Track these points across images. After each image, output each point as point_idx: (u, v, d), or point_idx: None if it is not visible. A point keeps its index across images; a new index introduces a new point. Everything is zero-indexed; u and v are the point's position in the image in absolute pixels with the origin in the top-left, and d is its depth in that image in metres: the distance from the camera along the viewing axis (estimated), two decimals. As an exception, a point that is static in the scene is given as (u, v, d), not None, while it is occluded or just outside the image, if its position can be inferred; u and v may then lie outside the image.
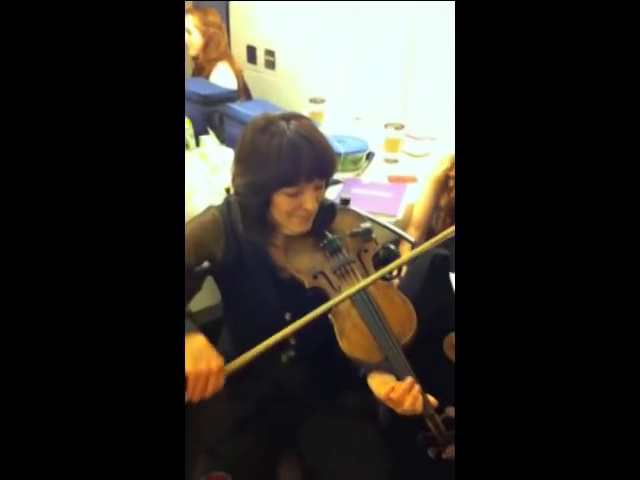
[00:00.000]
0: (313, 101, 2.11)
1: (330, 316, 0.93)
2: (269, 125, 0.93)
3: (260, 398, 1.08)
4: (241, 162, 0.97)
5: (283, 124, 0.93)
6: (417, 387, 0.86)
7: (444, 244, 1.46)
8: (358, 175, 1.87)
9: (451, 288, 1.26)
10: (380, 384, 0.90)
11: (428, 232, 1.61)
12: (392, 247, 1.15)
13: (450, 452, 0.89)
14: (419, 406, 0.86)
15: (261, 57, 2.66)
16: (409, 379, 0.87)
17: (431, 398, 0.88)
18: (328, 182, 1.01)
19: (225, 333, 1.16)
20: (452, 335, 0.77)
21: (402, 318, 0.94)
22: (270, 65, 2.63)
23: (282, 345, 0.99)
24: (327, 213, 1.04)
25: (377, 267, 1.03)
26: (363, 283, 0.90)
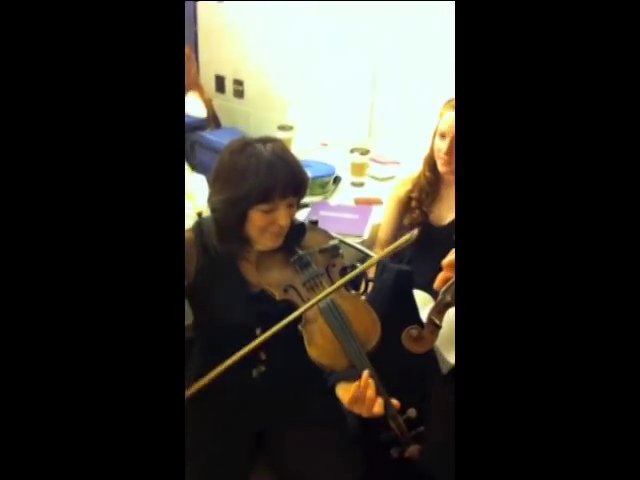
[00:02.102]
0: (281, 128, 2.19)
1: (300, 327, 0.99)
2: (246, 147, 1.01)
3: (230, 412, 1.11)
4: (219, 181, 1.04)
5: (260, 146, 1.01)
6: (372, 385, 0.91)
7: (407, 261, 1.55)
8: (326, 198, 1.95)
9: (414, 303, 1.33)
10: (345, 392, 0.95)
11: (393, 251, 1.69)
12: (358, 265, 1.23)
13: (412, 451, 0.94)
14: (374, 401, 0.91)
15: (230, 86, 2.74)
16: (364, 375, 0.92)
17: (394, 400, 0.94)
18: (300, 200, 1.09)
19: (196, 352, 1.19)
20: (411, 328, 0.84)
21: (367, 326, 1.00)
22: (239, 94, 2.71)
23: (252, 360, 1.04)
24: (298, 231, 1.11)
25: (345, 286, 1.10)
26: (327, 291, 0.96)
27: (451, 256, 0.86)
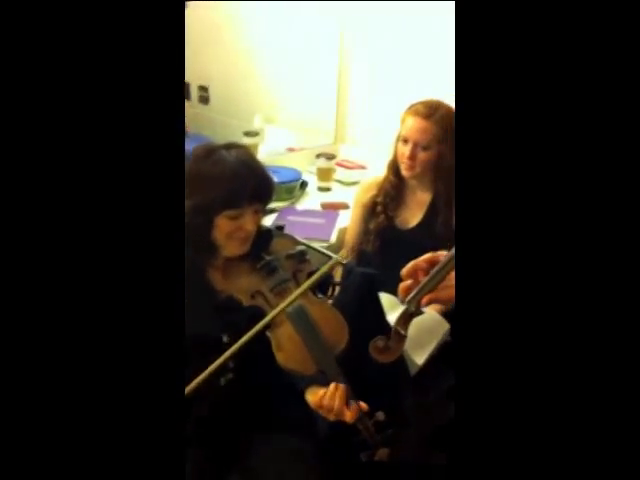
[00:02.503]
0: (247, 134, 2.19)
1: (268, 333, 0.99)
2: (211, 153, 1.01)
3: (199, 421, 1.10)
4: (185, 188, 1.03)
5: (224, 152, 1.01)
6: (341, 391, 0.92)
7: (373, 264, 1.56)
8: (292, 203, 1.96)
9: (380, 305, 1.35)
10: (314, 396, 0.96)
11: (359, 255, 1.71)
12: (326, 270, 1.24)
13: (381, 454, 0.96)
14: (348, 412, 0.92)
15: (194, 93, 2.72)
16: (333, 384, 0.93)
17: (362, 404, 0.95)
18: (267, 206, 1.09)
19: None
20: (377, 339, 0.85)
21: (335, 329, 1.01)
22: (204, 100, 2.70)
23: (220, 369, 1.03)
24: (264, 236, 1.11)
25: (313, 291, 1.10)
26: (294, 295, 0.97)
27: (411, 264, 0.86)
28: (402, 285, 0.86)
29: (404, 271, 0.87)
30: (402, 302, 0.86)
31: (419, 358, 1.45)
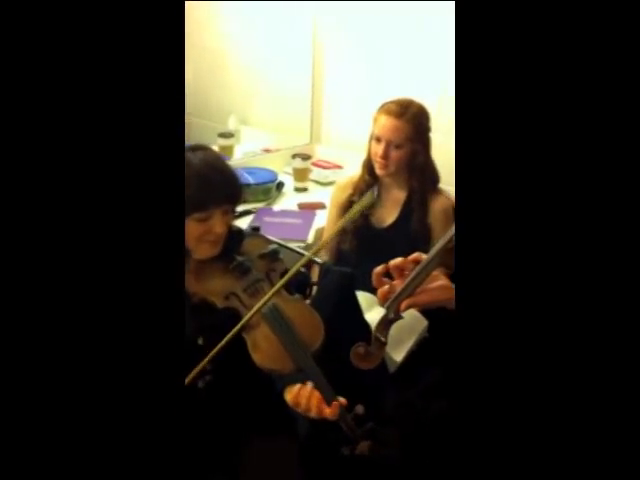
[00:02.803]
0: (222, 135, 2.18)
1: (243, 334, 0.99)
2: None
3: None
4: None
5: (189, 154, 1.00)
6: (317, 392, 0.92)
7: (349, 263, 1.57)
8: (269, 204, 1.96)
9: (357, 303, 1.35)
10: (292, 394, 0.96)
11: (337, 254, 1.71)
12: (303, 270, 1.24)
13: (362, 448, 0.96)
14: (320, 403, 0.92)
15: (169, 95, 2.70)
16: (308, 386, 0.93)
17: (341, 399, 0.95)
18: (235, 207, 1.08)
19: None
20: (358, 346, 0.85)
21: (310, 327, 1.01)
22: (178, 102, 2.68)
23: (198, 372, 1.03)
24: (235, 237, 1.11)
25: (290, 290, 1.10)
26: (268, 295, 0.97)
27: (376, 271, 0.87)
28: (380, 290, 0.87)
29: (376, 271, 0.87)
30: (381, 306, 0.86)
31: (398, 355, 1.46)
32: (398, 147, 1.49)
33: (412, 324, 1.51)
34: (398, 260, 0.86)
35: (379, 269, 0.85)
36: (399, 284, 0.83)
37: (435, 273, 0.88)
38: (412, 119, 1.47)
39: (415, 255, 0.85)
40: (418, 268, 0.81)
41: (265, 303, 0.97)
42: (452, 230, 0.78)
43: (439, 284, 0.84)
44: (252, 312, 0.96)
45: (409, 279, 0.80)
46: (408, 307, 0.81)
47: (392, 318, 0.83)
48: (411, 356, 1.48)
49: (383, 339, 0.83)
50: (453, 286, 0.85)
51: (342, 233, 1.67)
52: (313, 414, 0.92)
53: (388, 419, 1.33)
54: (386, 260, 0.91)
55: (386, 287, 0.84)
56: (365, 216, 1.62)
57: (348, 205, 1.65)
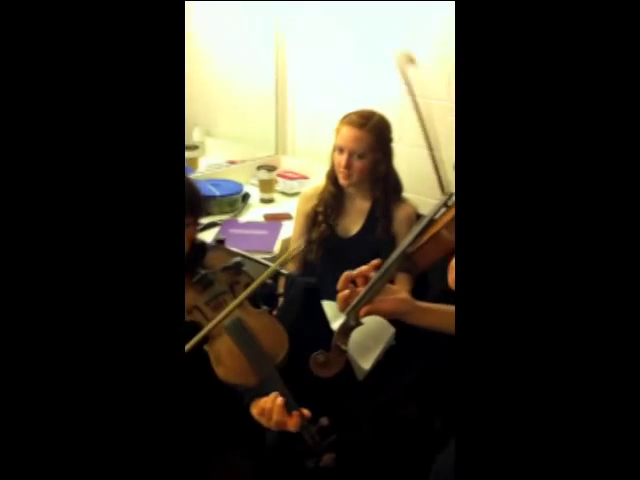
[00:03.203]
0: (187, 148, 2.17)
1: (205, 347, 0.98)
2: None
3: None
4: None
5: None
6: (281, 400, 0.92)
7: (313, 273, 1.58)
8: (235, 216, 1.95)
9: (323, 314, 1.36)
10: (256, 407, 0.96)
11: (304, 265, 1.71)
12: (269, 281, 1.24)
13: (327, 460, 0.96)
14: (290, 422, 0.92)
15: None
16: (273, 393, 0.93)
17: (304, 411, 0.95)
18: (198, 220, 1.08)
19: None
20: (317, 354, 0.85)
21: (274, 339, 1.01)
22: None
23: None
24: (198, 251, 1.10)
25: (256, 301, 1.10)
26: (228, 308, 0.96)
27: (345, 274, 0.87)
28: (340, 296, 0.87)
29: (341, 279, 0.88)
30: (341, 312, 0.87)
31: (366, 363, 1.47)
32: (360, 157, 1.50)
33: (379, 332, 1.52)
34: (363, 268, 0.87)
35: (348, 273, 0.86)
36: (361, 291, 0.84)
37: (397, 287, 0.90)
38: (373, 129, 1.49)
39: (375, 262, 0.86)
40: (377, 275, 0.82)
41: (227, 315, 0.97)
42: (410, 236, 0.80)
43: (399, 297, 0.85)
44: (212, 324, 0.95)
45: (368, 286, 0.81)
46: (367, 314, 0.82)
47: (352, 325, 0.83)
48: (379, 364, 1.49)
49: (343, 347, 0.83)
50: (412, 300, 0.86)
51: (308, 243, 1.68)
52: (274, 425, 0.92)
53: (354, 427, 1.33)
54: (352, 269, 0.92)
55: (346, 292, 0.85)
56: (330, 226, 1.64)
57: (313, 215, 1.66)
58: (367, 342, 1.49)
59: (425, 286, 1.54)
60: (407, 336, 1.54)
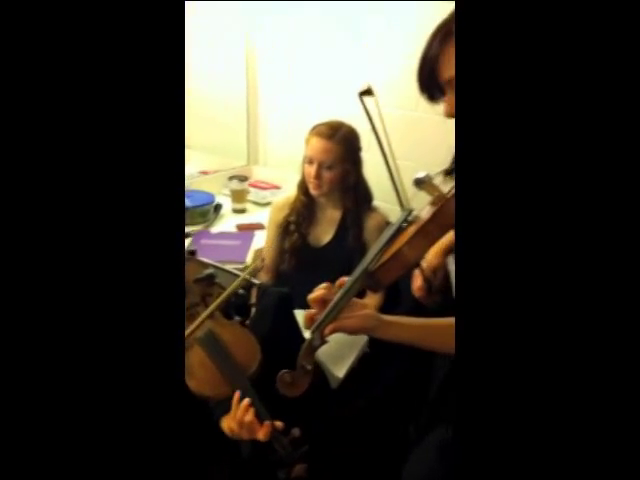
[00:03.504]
0: (158, 159, 2.16)
1: (178, 360, 0.98)
2: None
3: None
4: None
5: None
6: (252, 410, 0.93)
7: (287, 283, 1.59)
8: (207, 227, 1.95)
9: (296, 323, 1.37)
10: (227, 420, 0.96)
11: (276, 275, 1.72)
12: (242, 292, 1.25)
13: (298, 471, 0.97)
14: (259, 430, 0.92)
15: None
16: (244, 403, 0.93)
17: (277, 422, 0.96)
18: None
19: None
20: (284, 373, 0.85)
21: (246, 351, 1.02)
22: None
23: None
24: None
25: (229, 313, 1.11)
26: (199, 320, 0.97)
27: (316, 292, 0.88)
28: (306, 314, 0.88)
29: (311, 297, 0.89)
30: (307, 329, 0.87)
31: (339, 371, 1.48)
32: (330, 168, 1.52)
33: (352, 339, 1.53)
34: (323, 291, 0.88)
35: (314, 295, 0.87)
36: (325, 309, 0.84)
37: (363, 302, 0.91)
38: (342, 140, 1.51)
39: (340, 280, 0.87)
40: (340, 293, 0.82)
41: (197, 327, 0.97)
42: (372, 254, 0.81)
43: (364, 313, 0.86)
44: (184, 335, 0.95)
45: (332, 304, 0.82)
46: (333, 332, 0.82)
47: (317, 344, 0.84)
48: (353, 371, 1.50)
49: (309, 367, 0.84)
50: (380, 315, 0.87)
51: (281, 253, 1.69)
52: (246, 434, 0.93)
53: (328, 436, 1.34)
54: (324, 278, 0.93)
55: (312, 311, 0.86)
56: (303, 235, 1.65)
57: (285, 225, 1.67)
58: (340, 350, 1.50)
59: (397, 297, 1.56)
60: (382, 342, 1.56)
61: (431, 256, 1.19)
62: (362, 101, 0.90)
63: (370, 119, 0.92)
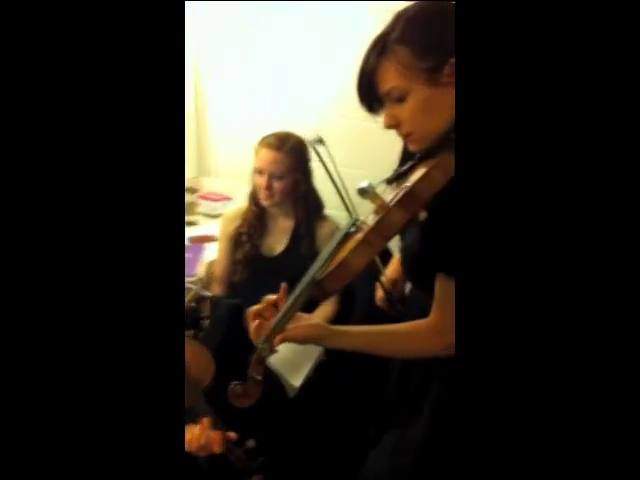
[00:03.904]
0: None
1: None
2: None
3: None
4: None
5: None
6: (206, 423, 0.93)
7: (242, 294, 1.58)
8: (157, 240, 1.92)
9: (248, 335, 1.36)
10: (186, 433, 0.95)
11: (230, 286, 1.71)
12: (193, 305, 1.23)
13: (257, 481, 0.97)
14: (214, 442, 0.92)
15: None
16: (203, 420, 0.93)
17: (231, 433, 0.96)
18: None
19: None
20: (235, 385, 0.85)
21: (200, 363, 1.01)
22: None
23: None
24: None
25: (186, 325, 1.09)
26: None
27: (258, 306, 0.88)
28: (251, 327, 0.88)
29: (252, 310, 0.89)
30: (254, 342, 0.87)
31: (296, 380, 1.48)
32: (280, 178, 1.54)
33: (308, 348, 1.54)
34: (270, 298, 0.88)
35: (254, 308, 0.87)
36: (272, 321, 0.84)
37: (312, 315, 0.91)
38: (291, 151, 1.53)
39: (283, 287, 0.87)
40: (287, 303, 0.83)
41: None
42: (318, 263, 0.82)
43: (311, 322, 0.87)
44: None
45: (279, 315, 0.82)
46: (281, 342, 0.83)
47: (265, 354, 0.84)
48: (309, 380, 1.50)
49: (259, 377, 0.84)
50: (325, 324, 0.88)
51: (233, 264, 1.68)
52: (203, 450, 0.92)
53: (286, 446, 1.34)
54: (278, 288, 0.93)
55: (257, 322, 0.85)
56: (255, 246, 1.65)
57: (237, 236, 1.66)
58: (296, 359, 1.51)
59: (352, 305, 1.58)
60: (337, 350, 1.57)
61: (390, 271, 1.22)
62: (315, 149, 0.92)
63: (324, 165, 0.93)
